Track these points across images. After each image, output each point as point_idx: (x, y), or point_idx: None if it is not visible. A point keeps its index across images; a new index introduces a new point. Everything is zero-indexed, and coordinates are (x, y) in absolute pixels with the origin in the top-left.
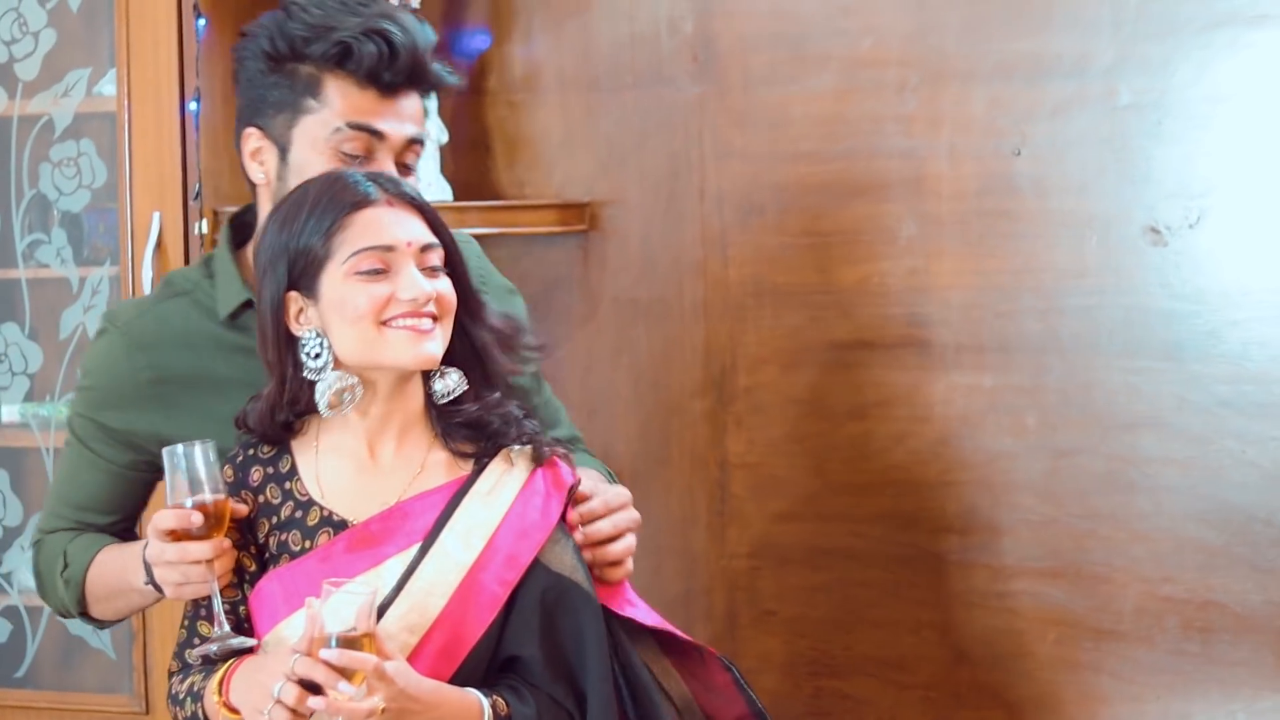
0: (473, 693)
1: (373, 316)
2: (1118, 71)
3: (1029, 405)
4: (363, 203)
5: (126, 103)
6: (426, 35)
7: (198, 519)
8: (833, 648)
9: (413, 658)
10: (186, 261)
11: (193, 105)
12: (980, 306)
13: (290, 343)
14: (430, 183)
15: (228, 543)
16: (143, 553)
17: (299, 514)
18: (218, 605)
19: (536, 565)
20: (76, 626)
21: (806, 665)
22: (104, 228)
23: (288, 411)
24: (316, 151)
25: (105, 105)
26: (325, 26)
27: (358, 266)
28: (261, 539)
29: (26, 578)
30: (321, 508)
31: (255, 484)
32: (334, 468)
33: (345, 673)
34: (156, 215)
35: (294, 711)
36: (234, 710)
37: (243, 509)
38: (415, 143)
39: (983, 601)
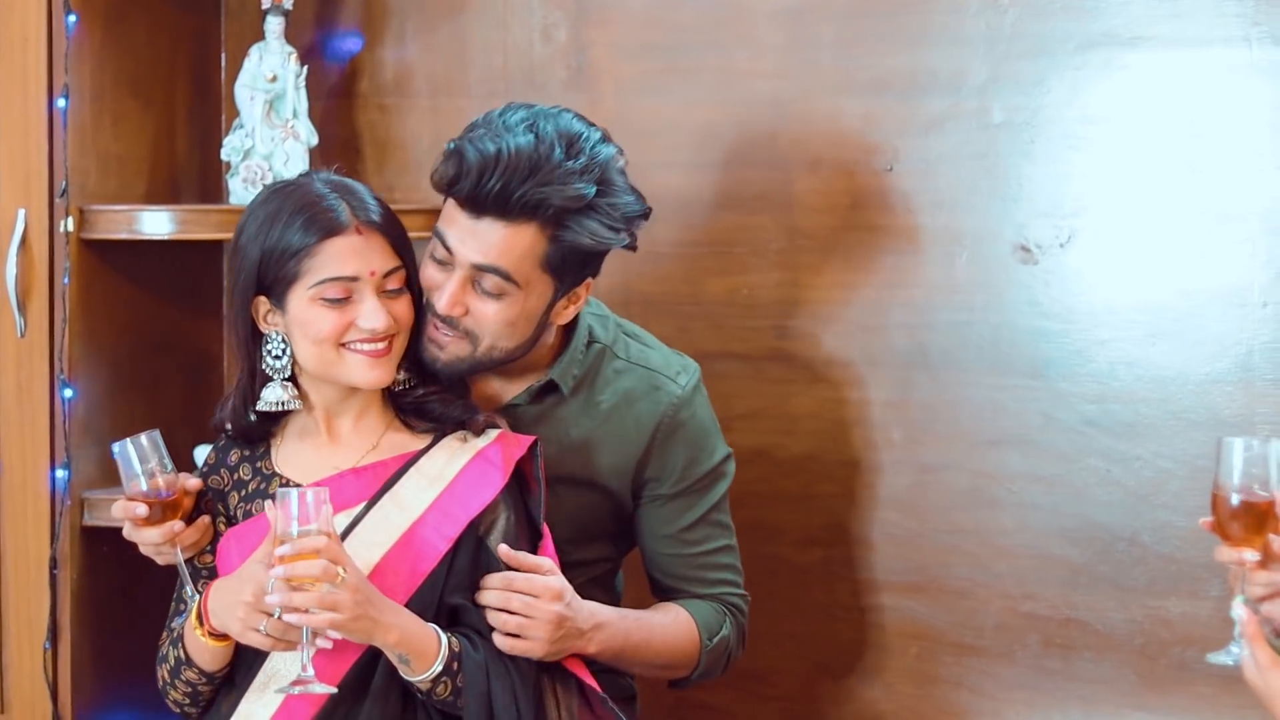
0: (432, 626)
1: (332, 340)
2: (991, 89)
3: (895, 420)
4: (333, 230)
5: None
6: (520, 165)
7: (141, 510)
8: None
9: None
10: (51, 259)
11: (61, 102)
12: (848, 321)
13: (257, 338)
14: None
15: (179, 525)
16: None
17: (263, 485)
18: (183, 575)
19: (474, 528)
20: None
21: None
22: None
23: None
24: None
25: None
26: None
27: (323, 294)
28: (233, 510)
29: None
30: (281, 476)
31: (233, 463)
32: (297, 446)
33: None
34: (21, 212)
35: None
36: (220, 637)
37: (192, 483)
38: (483, 270)
39: (845, 615)
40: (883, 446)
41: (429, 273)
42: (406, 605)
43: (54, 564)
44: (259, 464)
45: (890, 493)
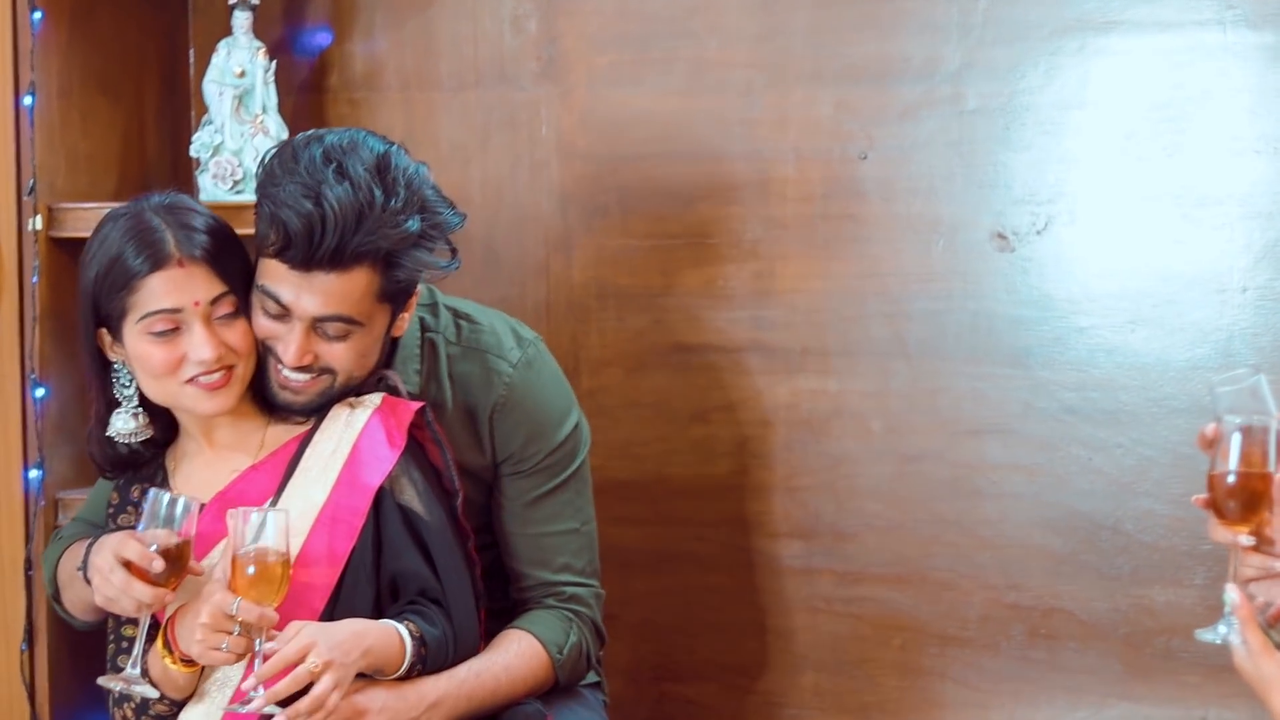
0: (387, 622)
1: (169, 375)
2: (965, 76)
3: (874, 410)
4: (155, 265)
5: None
6: (337, 219)
7: (159, 565)
8: (676, 652)
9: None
10: (20, 258)
11: (27, 100)
12: (826, 310)
13: (106, 367)
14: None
15: (170, 598)
16: (89, 548)
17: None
18: (139, 648)
19: (385, 494)
20: None
21: (650, 670)
22: None
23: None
24: (253, 290)
25: None
26: (264, 194)
27: (150, 328)
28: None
29: None
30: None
31: (135, 498)
32: (188, 466)
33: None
34: None
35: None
36: (189, 663)
37: (197, 570)
38: (332, 320)
39: (827, 607)
40: (862, 437)
41: (263, 323)
42: (337, 587)
43: (29, 565)
44: (147, 485)
45: (871, 484)
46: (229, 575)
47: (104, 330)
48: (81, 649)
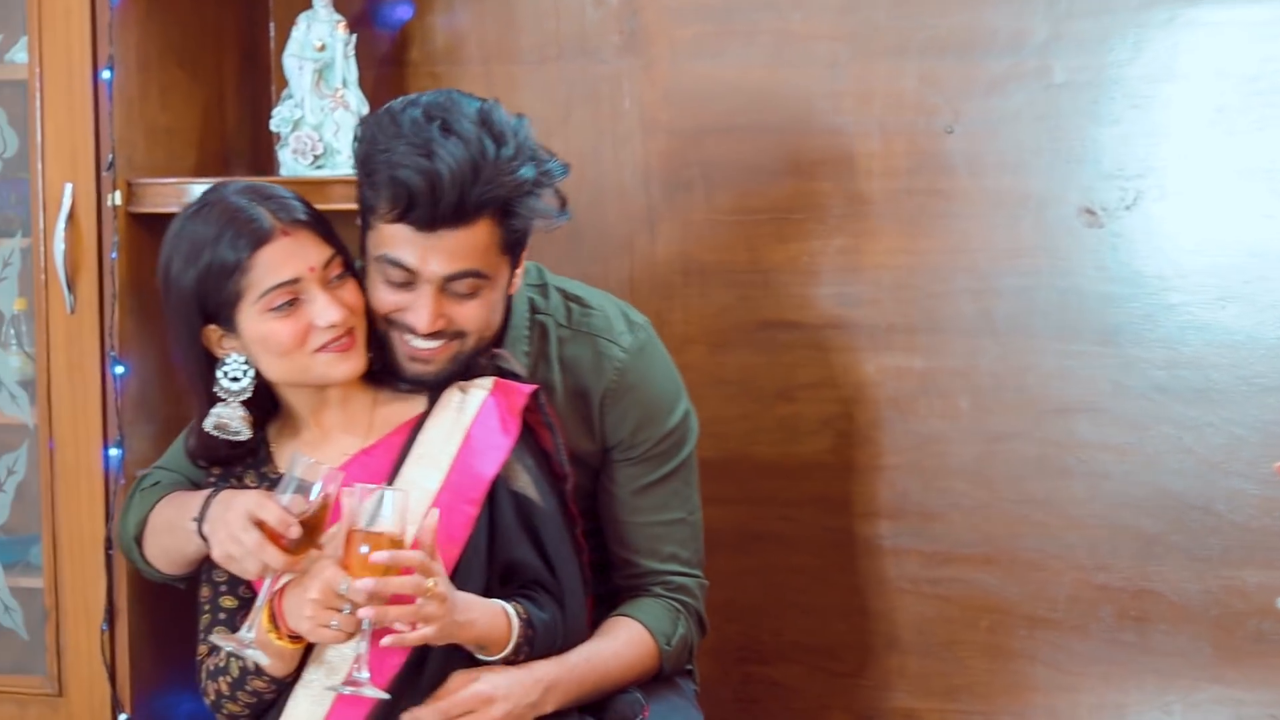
0: (497, 602)
1: (296, 348)
2: (1053, 48)
3: (962, 388)
4: (261, 239)
5: (38, 71)
6: (459, 172)
7: (296, 532)
8: (761, 634)
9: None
10: (99, 234)
11: (106, 74)
12: (912, 287)
13: (209, 366)
14: (350, 155)
15: (299, 567)
16: (208, 500)
17: (267, 486)
18: (258, 613)
19: (499, 480)
20: None
21: (734, 651)
22: (15, 198)
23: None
24: (370, 263)
25: (16, 73)
26: (370, 160)
27: (270, 304)
28: None
29: None
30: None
31: (238, 473)
32: (293, 447)
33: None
34: (68, 186)
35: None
36: (295, 639)
37: (317, 550)
38: (463, 277)
39: (914, 588)
40: (950, 415)
41: (386, 296)
42: (452, 576)
43: (109, 544)
44: (263, 469)
45: (958, 463)
46: (342, 552)
47: (210, 328)
48: (162, 630)
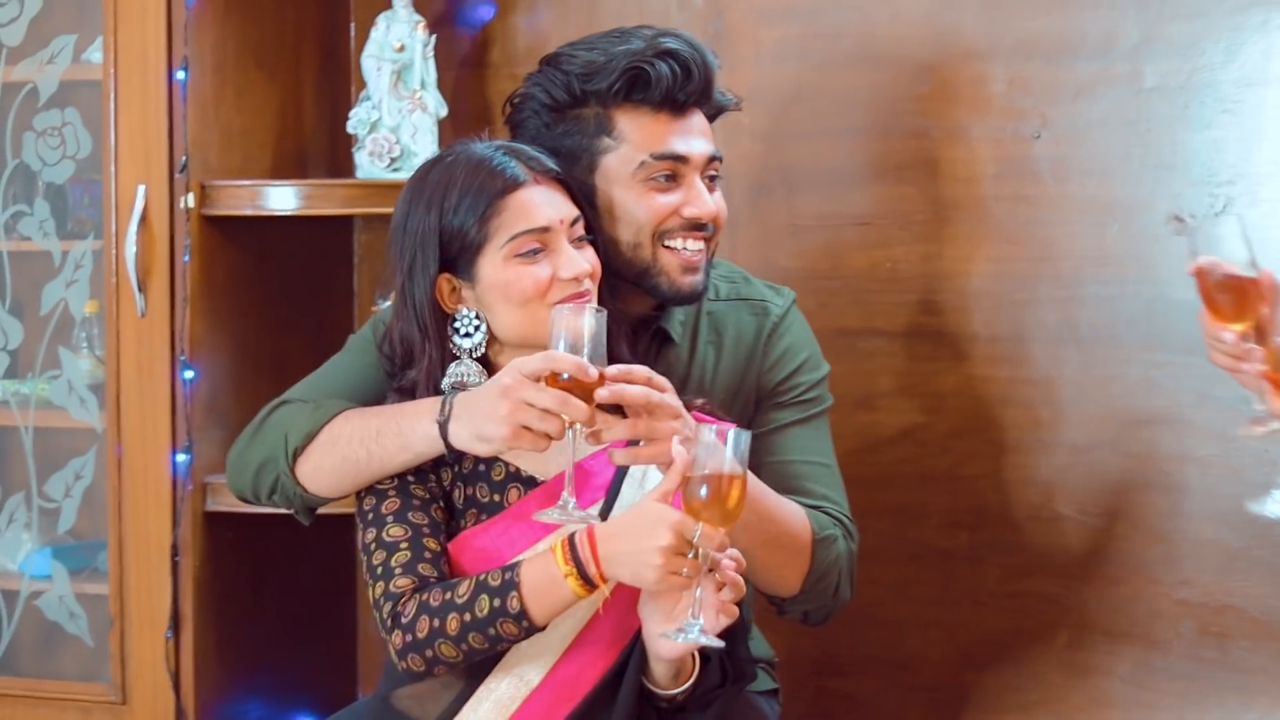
0: None
1: (538, 297)
2: (1143, 52)
3: (1044, 398)
4: (513, 184)
5: (113, 71)
6: (707, 52)
7: (593, 373)
8: (836, 646)
9: (617, 595)
10: (171, 236)
11: (180, 75)
12: (995, 294)
13: (442, 321)
14: (428, 158)
15: (599, 422)
16: (447, 402)
17: (482, 467)
18: (569, 477)
19: None
20: (54, 610)
21: (809, 664)
22: (88, 200)
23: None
24: (624, 188)
25: (91, 73)
26: (606, 60)
27: (518, 249)
28: (447, 486)
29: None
30: (506, 464)
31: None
32: None
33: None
34: (141, 188)
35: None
36: (588, 587)
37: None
38: (715, 159)
39: (992, 601)
40: (1031, 425)
41: (657, 201)
42: None
43: (175, 551)
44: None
45: (1039, 474)
46: (684, 497)
47: (445, 276)
48: (228, 638)
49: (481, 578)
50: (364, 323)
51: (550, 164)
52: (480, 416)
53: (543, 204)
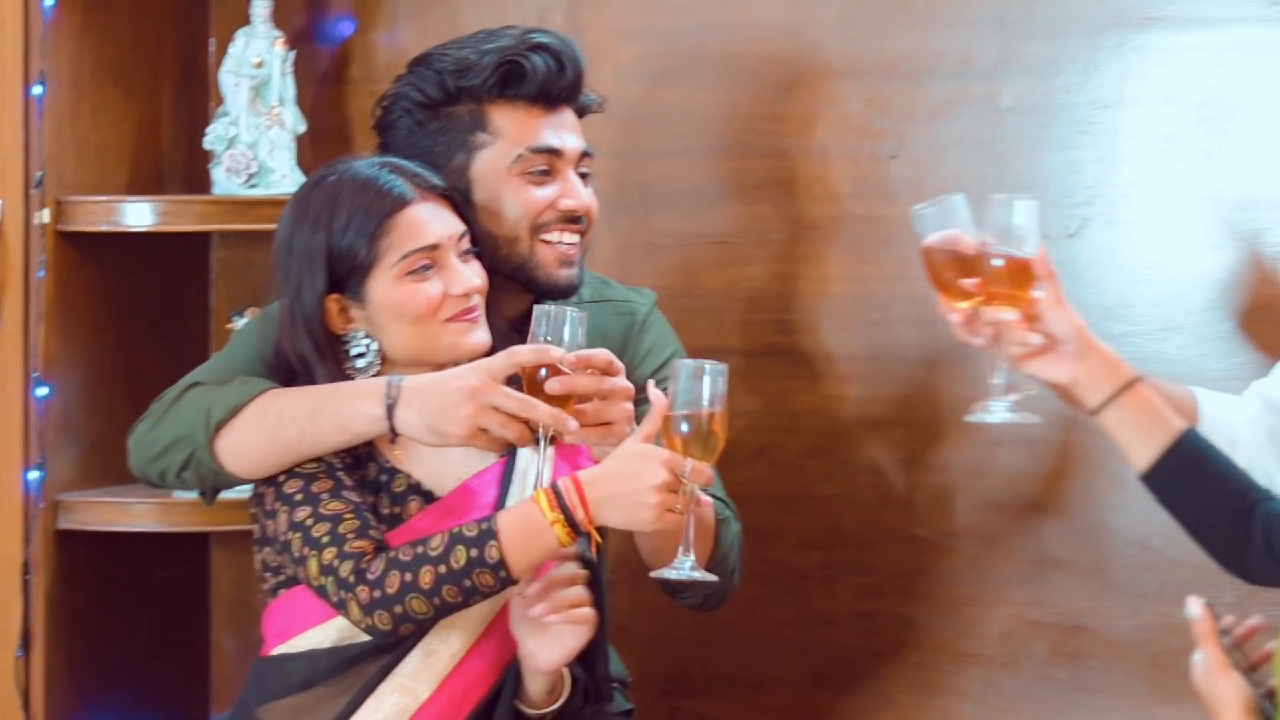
0: None
1: (431, 315)
2: (1000, 73)
3: (899, 418)
4: (401, 203)
5: None
6: (577, 49)
7: (556, 354)
8: (689, 666)
9: (501, 617)
10: (26, 252)
11: (36, 90)
12: (851, 315)
13: (331, 343)
14: (285, 174)
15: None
16: (393, 385)
17: (384, 478)
18: (547, 473)
19: None
20: None
21: (662, 684)
22: None
23: None
24: (499, 183)
25: None
26: (478, 57)
27: (409, 268)
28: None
29: None
30: (408, 476)
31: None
32: (417, 450)
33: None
34: None
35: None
36: (573, 535)
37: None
38: (587, 155)
39: (845, 621)
40: (886, 446)
41: (533, 195)
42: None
43: (26, 569)
44: (368, 447)
45: (892, 494)
46: (666, 435)
47: (333, 298)
48: (80, 657)
49: (456, 530)
50: (221, 339)
51: (435, 180)
52: (437, 411)
53: (431, 221)
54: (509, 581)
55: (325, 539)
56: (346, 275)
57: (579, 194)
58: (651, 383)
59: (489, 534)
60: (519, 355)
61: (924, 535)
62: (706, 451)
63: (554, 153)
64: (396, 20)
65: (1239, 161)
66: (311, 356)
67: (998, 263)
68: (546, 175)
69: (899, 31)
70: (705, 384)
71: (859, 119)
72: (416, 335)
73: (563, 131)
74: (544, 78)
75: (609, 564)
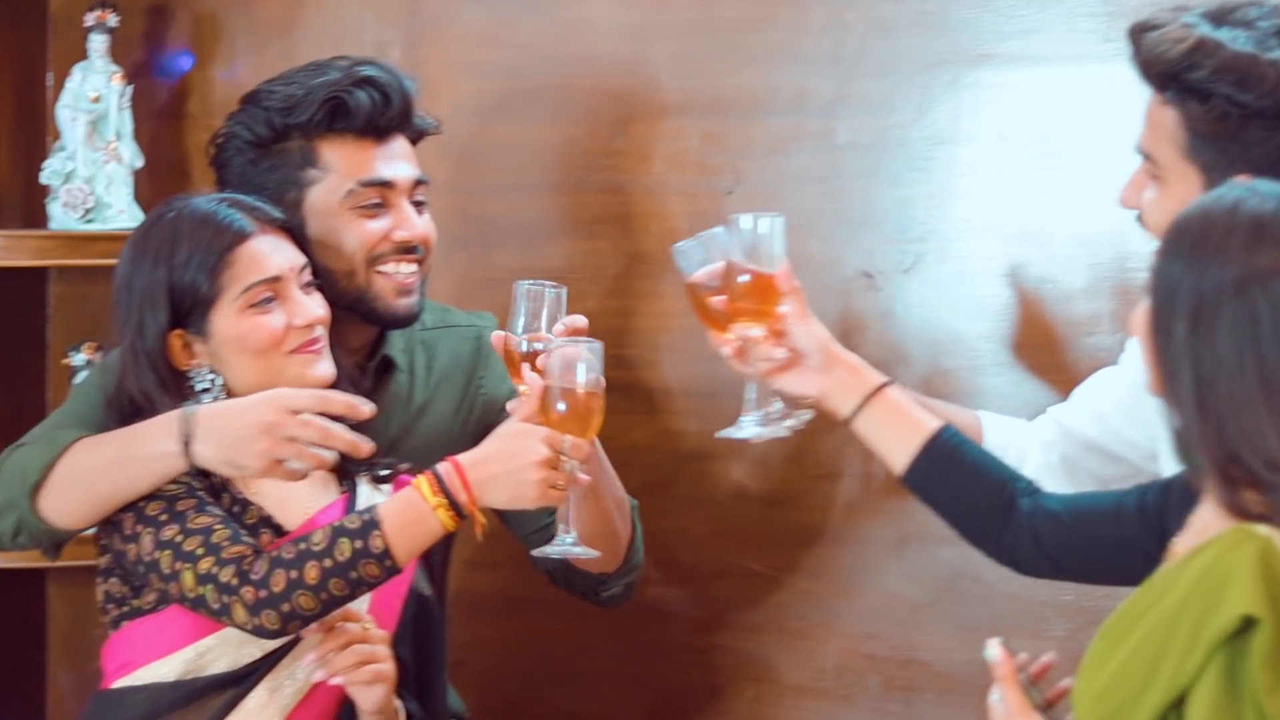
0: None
1: (275, 347)
2: (836, 109)
3: (734, 453)
4: (242, 236)
5: None
6: (404, 77)
7: (367, 409)
8: (524, 702)
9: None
10: None
11: None
12: (688, 349)
13: (175, 379)
14: (123, 209)
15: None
16: (188, 420)
17: (236, 509)
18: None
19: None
20: None
21: (498, 719)
22: None
23: None
24: (333, 217)
25: None
26: (304, 93)
27: (251, 300)
28: None
29: None
30: (259, 508)
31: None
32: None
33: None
34: None
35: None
36: (457, 518)
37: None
38: (421, 183)
39: (680, 655)
40: (721, 480)
41: (368, 228)
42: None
43: None
44: (213, 479)
45: (729, 528)
46: (542, 415)
47: (176, 334)
48: None
49: (337, 524)
50: (58, 375)
51: (274, 213)
52: (232, 445)
53: (272, 253)
54: (395, 570)
55: (200, 550)
56: (189, 310)
57: (413, 224)
58: (527, 366)
59: (372, 524)
60: (330, 402)
61: (757, 569)
62: (584, 428)
63: (386, 185)
64: (234, 55)
65: (1072, 198)
66: (156, 393)
67: (744, 279)
68: (380, 207)
69: (735, 68)
70: (581, 361)
71: (696, 154)
72: (261, 368)
73: (394, 162)
74: (369, 111)
75: (449, 598)
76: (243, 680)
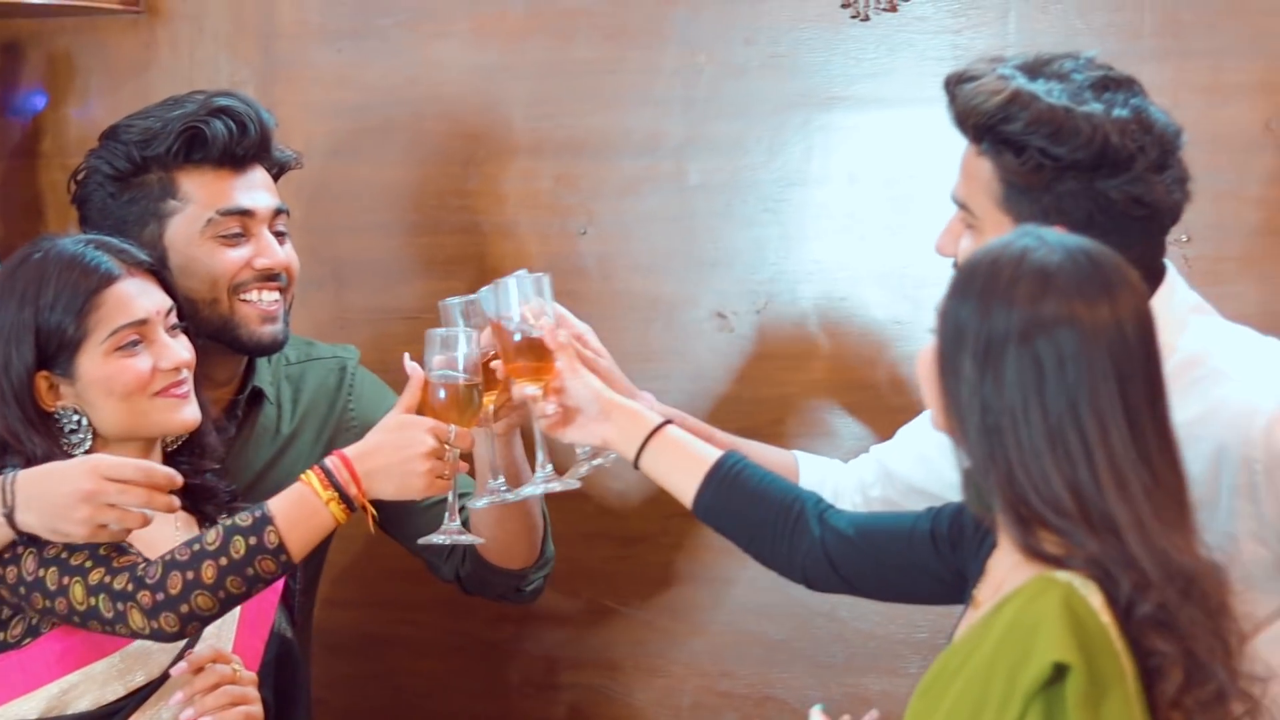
0: None
1: (141, 389)
2: (688, 150)
3: (590, 491)
4: (109, 279)
5: None
6: (261, 109)
7: (179, 480)
8: None
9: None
10: None
11: None
12: None
13: (43, 419)
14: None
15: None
16: (6, 489)
17: (115, 551)
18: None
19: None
20: None
21: None
22: None
23: None
24: (194, 247)
25: None
26: (161, 125)
27: (118, 343)
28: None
29: None
30: (139, 553)
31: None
32: None
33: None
34: None
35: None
36: (348, 511)
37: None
38: (282, 212)
39: (538, 694)
40: (580, 519)
41: (228, 256)
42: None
43: None
44: None
45: (584, 566)
46: (424, 405)
47: (42, 375)
48: None
49: (229, 522)
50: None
51: (141, 255)
52: (54, 514)
53: (138, 296)
54: (290, 565)
55: (89, 563)
56: (55, 352)
57: (274, 252)
58: (407, 355)
59: (264, 520)
60: (152, 474)
61: (614, 608)
62: (466, 417)
63: (245, 213)
64: (89, 94)
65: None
66: (24, 433)
67: (516, 338)
68: (240, 236)
69: (588, 109)
70: (459, 350)
71: (549, 195)
72: (126, 411)
73: (254, 191)
74: (226, 141)
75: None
76: (111, 717)
